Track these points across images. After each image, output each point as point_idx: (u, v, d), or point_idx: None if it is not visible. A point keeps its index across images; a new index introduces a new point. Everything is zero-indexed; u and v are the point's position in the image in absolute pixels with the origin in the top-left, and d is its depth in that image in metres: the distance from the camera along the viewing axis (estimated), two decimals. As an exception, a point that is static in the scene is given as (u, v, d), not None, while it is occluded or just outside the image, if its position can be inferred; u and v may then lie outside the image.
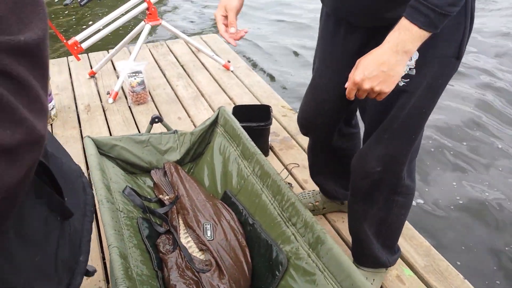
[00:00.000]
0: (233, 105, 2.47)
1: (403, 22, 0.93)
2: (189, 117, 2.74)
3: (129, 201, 1.59)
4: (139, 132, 2.58)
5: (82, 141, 2.53)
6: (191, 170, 1.94)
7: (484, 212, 2.36)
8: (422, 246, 1.73)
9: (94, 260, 1.75)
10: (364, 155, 1.29)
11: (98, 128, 2.63)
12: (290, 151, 2.38)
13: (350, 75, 1.01)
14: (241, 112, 2.29)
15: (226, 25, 1.19)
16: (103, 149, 1.73)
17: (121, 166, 1.79)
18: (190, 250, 1.45)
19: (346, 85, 1.03)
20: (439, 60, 1.11)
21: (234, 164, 1.74)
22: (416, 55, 1.08)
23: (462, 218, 2.31)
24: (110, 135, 2.58)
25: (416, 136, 1.25)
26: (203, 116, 2.71)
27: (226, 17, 1.20)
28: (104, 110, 2.82)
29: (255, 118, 2.21)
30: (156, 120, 1.86)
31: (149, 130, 1.90)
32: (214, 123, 1.92)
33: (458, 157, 2.79)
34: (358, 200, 1.40)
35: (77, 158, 2.38)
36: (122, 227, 1.40)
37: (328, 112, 1.47)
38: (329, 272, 1.20)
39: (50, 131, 2.63)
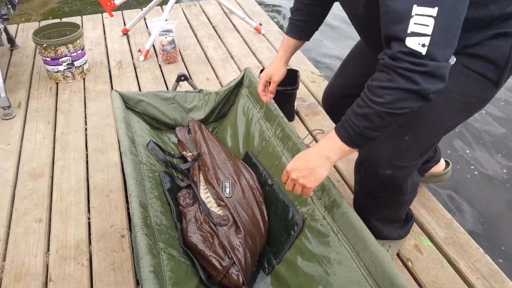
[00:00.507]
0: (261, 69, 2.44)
1: (331, 132, 1.01)
2: (217, 78, 2.74)
3: (152, 155, 1.62)
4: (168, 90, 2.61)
5: (112, 97, 2.59)
6: (215, 130, 1.95)
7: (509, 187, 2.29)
8: (444, 218, 1.71)
9: (118, 209, 1.82)
10: (375, 155, 1.18)
11: (127, 85, 2.67)
12: (316, 117, 2.36)
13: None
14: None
15: (264, 86, 1.50)
16: (129, 104, 1.76)
17: (146, 121, 1.83)
18: (208, 205, 1.49)
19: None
20: (479, 77, 1.06)
21: (257, 125, 1.74)
22: (453, 60, 1.04)
23: (486, 192, 2.26)
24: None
25: (434, 144, 1.20)
26: (231, 78, 2.70)
27: (268, 82, 1.46)
28: (135, 67, 2.85)
29: (282, 81, 2.18)
30: (182, 78, 1.87)
31: (175, 88, 1.92)
32: (240, 84, 1.92)
33: (475, 133, 2.70)
34: (364, 197, 1.38)
35: (107, 112, 2.44)
36: (144, 179, 1.44)
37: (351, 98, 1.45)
38: (342, 235, 1.21)
39: (83, 84, 2.70)
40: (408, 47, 0.82)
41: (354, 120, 0.93)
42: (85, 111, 2.47)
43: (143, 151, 1.59)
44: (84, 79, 2.75)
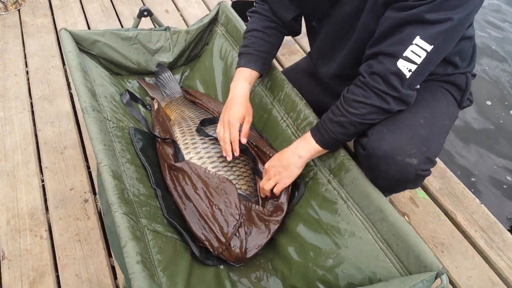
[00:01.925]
0: (232, 0, 2.14)
1: (307, 134, 1.08)
2: (178, 10, 2.41)
3: (118, 107, 1.37)
4: (121, 25, 2.26)
5: (56, 32, 2.21)
6: (184, 74, 1.70)
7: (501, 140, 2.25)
8: (437, 167, 1.62)
9: (77, 169, 1.57)
10: (399, 141, 0.98)
11: (73, 18, 2.29)
12: (294, 57, 2.14)
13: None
14: (241, 9, 1.99)
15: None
16: (82, 45, 1.45)
17: (104, 66, 1.54)
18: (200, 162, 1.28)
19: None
20: (451, 98, 1.15)
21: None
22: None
23: (479, 143, 2.20)
24: (88, 27, 2.25)
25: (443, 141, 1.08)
26: (194, 10, 2.39)
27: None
28: (79, -3, 2.44)
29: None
30: (145, 13, 1.57)
31: (136, 25, 1.62)
32: (214, 21, 1.65)
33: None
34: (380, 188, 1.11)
35: (51, 51, 2.08)
36: (113, 140, 1.20)
37: None
38: (353, 202, 1.07)
39: (18, 18, 2.27)
40: (397, 67, 0.91)
41: (330, 125, 1.02)
42: (24, 51, 2.10)
43: (106, 103, 1.32)
44: (19, 10, 2.31)
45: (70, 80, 1.86)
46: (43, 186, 1.54)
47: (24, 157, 1.62)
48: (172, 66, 1.67)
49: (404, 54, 0.90)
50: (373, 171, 1.02)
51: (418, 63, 0.90)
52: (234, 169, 1.26)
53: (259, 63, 1.24)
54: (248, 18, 1.30)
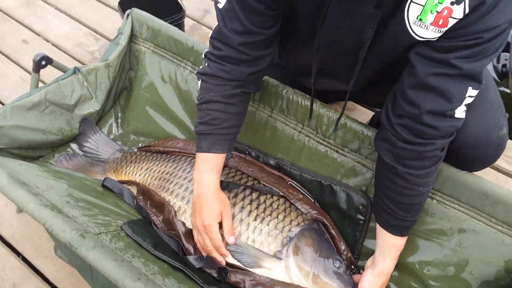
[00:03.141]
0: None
1: (388, 243, 0.89)
2: (38, 35, 1.85)
3: (87, 206, 0.97)
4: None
5: None
6: (118, 119, 1.31)
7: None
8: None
9: None
10: (484, 119, 0.87)
11: None
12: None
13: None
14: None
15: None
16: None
17: (21, 156, 1.09)
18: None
19: None
20: None
21: (195, 88, 1.19)
22: None
23: None
24: None
25: None
26: (61, 28, 1.86)
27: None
28: None
29: (156, 11, 1.55)
30: (44, 62, 1.12)
31: (36, 82, 1.16)
32: (131, 38, 1.26)
33: None
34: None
35: None
36: (125, 259, 0.84)
37: None
38: (443, 195, 0.92)
39: None
40: (456, 118, 0.78)
41: (404, 214, 0.86)
42: None
43: (73, 210, 0.92)
44: None
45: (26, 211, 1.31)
46: None
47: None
48: (102, 115, 1.27)
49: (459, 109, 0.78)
50: (468, 160, 0.88)
51: (471, 102, 0.79)
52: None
53: (226, 143, 0.95)
54: (199, 82, 0.96)
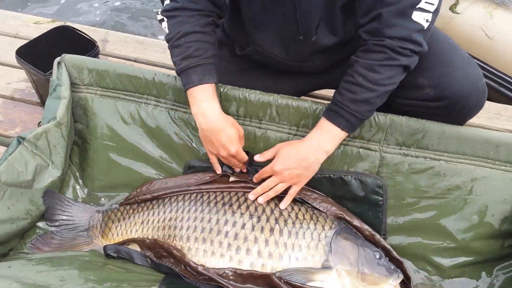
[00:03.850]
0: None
1: (324, 124, 0.94)
2: None
3: (117, 282, 0.84)
4: None
5: None
6: (77, 176, 1.15)
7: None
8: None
9: None
10: (467, 70, 0.96)
11: None
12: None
13: (271, 164, 0.98)
14: (34, 51, 1.37)
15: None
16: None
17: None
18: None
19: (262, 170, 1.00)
20: None
21: (166, 121, 1.10)
22: None
23: None
24: None
25: None
26: None
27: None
28: None
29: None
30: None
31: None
32: (75, 87, 1.11)
33: None
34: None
35: None
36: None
37: None
38: (449, 154, 0.99)
39: None
40: (414, 21, 0.85)
41: (354, 107, 0.91)
42: None
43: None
44: None
45: None
46: None
47: None
48: (63, 181, 1.10)
49: (418, 6, 0.84)
50: (465, 109, 0.97)
51: (432, 11, 0.85)
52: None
53: (214, 72, 0.97)
54: (165, 19, 0.96)
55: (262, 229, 0.95)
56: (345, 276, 0.91)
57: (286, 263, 0.92)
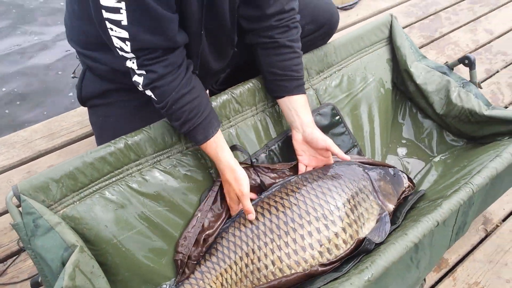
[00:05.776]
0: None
1: (303, 98, 1.14)
2: None
3: None
4: None
5: None
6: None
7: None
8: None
9: None
10: None
11: None
12: None
13: (341, 153, 1.12)
14: None
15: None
16: None
17: None
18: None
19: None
20: None
21: (158, 179, 1.05)
22: None
23: None
24: None
25: None
26: None
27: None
28: None
29: None
30: None
31: None
32: (53, 209, 0.92)
33: None
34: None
35: None
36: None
37: None
38: (345, 60, 1.35)
39: None
40: None
41: (302, 73, 1.15)
42: None
43: None
44: None
45: None
46: None
47: None
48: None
49: None
50: (332, 30, 1.31)
51: None
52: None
53: (214, 120, 1.04)
54: (151, 93, 0.96)
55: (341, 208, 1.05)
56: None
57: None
